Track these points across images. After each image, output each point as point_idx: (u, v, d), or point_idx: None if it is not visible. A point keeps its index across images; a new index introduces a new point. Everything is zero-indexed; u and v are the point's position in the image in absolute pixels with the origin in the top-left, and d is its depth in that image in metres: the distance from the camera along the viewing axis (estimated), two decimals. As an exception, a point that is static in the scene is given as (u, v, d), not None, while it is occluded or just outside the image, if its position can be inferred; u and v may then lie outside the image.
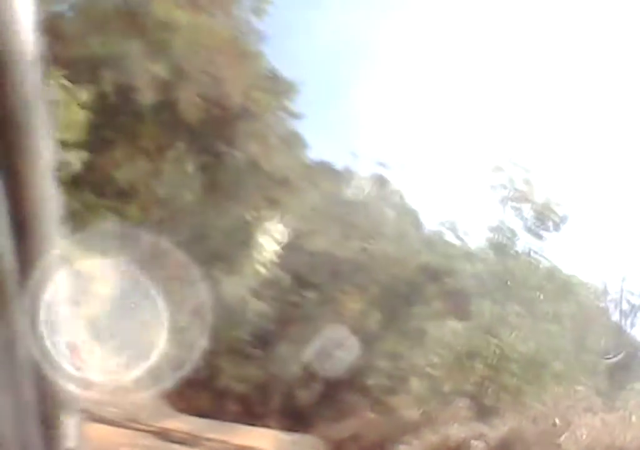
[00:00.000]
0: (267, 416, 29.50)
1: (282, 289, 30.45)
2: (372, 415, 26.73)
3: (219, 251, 27.09)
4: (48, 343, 1.74)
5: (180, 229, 26.35)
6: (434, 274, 32.59)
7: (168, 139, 27.60)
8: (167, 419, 23.02)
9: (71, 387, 1.89)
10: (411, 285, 32.21)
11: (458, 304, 28.98)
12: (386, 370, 29.68)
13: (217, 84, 27.30)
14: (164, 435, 20.36)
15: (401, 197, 35.28)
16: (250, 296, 28.93)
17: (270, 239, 28.11)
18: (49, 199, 1.68)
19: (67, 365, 1.82)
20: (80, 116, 21.38)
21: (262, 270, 28.29)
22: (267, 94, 28.88)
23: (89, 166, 22.54)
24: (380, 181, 35.20)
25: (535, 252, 27.66)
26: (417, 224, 35.99)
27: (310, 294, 31.30)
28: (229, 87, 27.45)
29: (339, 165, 34.31)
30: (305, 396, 30.35)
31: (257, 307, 29.59)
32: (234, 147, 28.00)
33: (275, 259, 28.42)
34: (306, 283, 31.16)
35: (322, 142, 31.99)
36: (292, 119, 29.96)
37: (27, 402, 1.79)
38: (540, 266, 28.23)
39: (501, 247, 28.86)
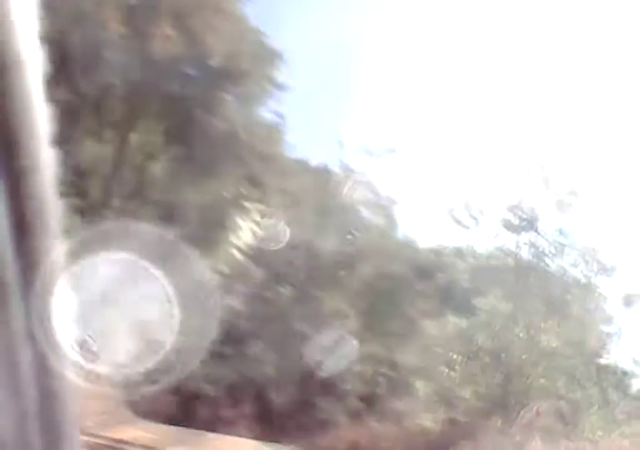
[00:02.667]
0: (239, 422, 26.04)
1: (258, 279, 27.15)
2: (374, 423, 23.72)
3: (191, 230, 23.75)
4: (47, 341, 1.70)
5: (147, 206, 23.26)
6: (424, 269, 29.91)
7: (137, 103, 24.31)
8: (124, 426, 19.41)
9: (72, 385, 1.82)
10: (402, 281, 29.22)
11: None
12: (383, 372, 26.65)
13: (195, 41, 24.17)
14: (118, 448, 16.74)
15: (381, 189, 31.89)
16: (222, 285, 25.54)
17: (250, 221, 24.71)
18: (49, 198, 1.67)
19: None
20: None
21: (238, 255, 24.86)
22: (251, 59, 25.64)
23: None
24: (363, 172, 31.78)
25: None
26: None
27: (289, 288, 28.04)
28: (208, 45, 24.30)
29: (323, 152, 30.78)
30: (282, 401, 26.96)
31: (230, 301, 26.23)
32: (212, 115, 24.67)
33: (253, 243, 24.99)
34: (284, 274, 27.88)
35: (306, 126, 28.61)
36: (278, 90, 26.58)
37: (28, 403, 1.76)
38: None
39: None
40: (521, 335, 22.58)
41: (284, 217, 26.99)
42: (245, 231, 24.54)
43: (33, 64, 1.57)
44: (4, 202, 1.60)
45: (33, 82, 1.58)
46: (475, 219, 26.83)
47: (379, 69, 30.62)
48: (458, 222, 27.17)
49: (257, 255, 25.80)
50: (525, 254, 25.77)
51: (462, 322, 25.19)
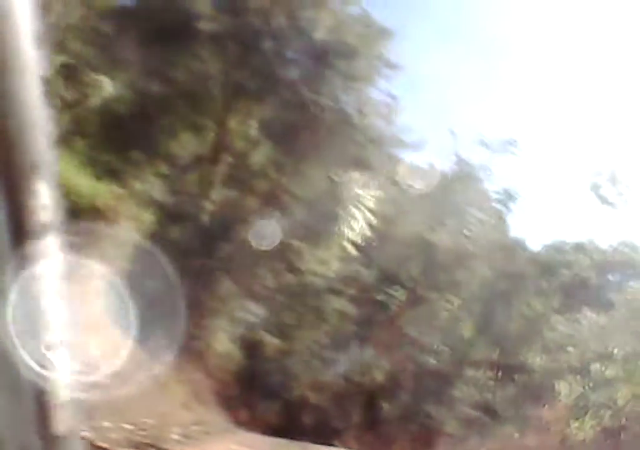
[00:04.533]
0: (346, 432, 23.76)
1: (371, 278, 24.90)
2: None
3: (300, 220, 21.63)
4: (45, 343, 1.71)
5: (250, 196, 21.20)
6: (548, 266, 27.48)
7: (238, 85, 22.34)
8: (218, 436, 16.98)
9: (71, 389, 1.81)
10: (525, 278, 26.79)
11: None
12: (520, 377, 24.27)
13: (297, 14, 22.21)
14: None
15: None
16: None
17: (362, 209, 22.37)
18: (49, 196, 1.66)
19: (61, 365, 1.75)
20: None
21: (351, 249, 22.54)
22: (359, 35, 23.42)
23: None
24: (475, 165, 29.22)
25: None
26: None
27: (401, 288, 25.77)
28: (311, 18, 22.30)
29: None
30: (392, 409, 24.64)
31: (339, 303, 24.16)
32: (319, 95, 22.46)
33: (367, 234, 22.64)
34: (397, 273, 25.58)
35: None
36: (389, 69, 24.21)
37: (26, 403, 1.76)
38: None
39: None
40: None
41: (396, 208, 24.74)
42: (359, 221, 22.22)
43: (33, 64, 1.53)
44: (3, 201, 1.57)
45: (33, 82, 1.54)
46: (622, 194, 24.09)
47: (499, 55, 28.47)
48: (604, 199, 24.46)
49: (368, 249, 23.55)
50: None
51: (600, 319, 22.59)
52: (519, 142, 28.42)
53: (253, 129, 22.72)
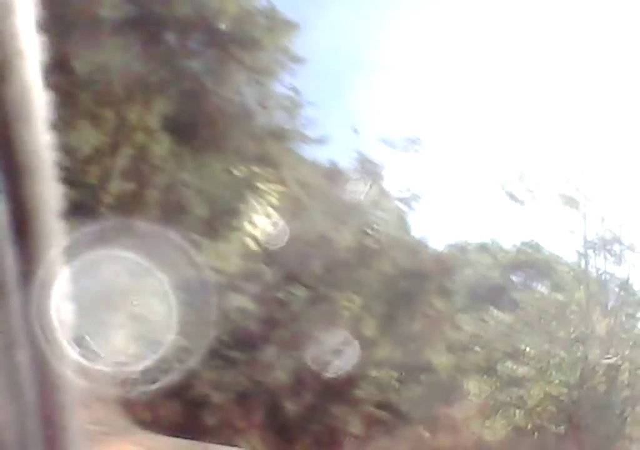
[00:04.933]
0: (249, 431, 23.14)
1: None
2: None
3: (199, 214, 21.00)
4: (47, 341, 1.73)
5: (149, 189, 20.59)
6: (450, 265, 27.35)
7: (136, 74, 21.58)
8: (116, 436, 16.57)
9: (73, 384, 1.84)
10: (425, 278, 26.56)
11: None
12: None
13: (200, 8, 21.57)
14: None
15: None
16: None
17: (264, 204, 21.83)
18: (49, 196, 1.68)
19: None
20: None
21: (252, 245, 21.95)
22: (264, 28, 22.92)
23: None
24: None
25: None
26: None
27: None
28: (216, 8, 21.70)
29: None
30: (295, 409, 24.10)
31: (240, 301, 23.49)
32: (221, 87, 21.88)
33: (269, 230, 22.09)
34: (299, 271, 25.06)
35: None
36: (293, 63, 23.75)
37: (27, 403, 1.76)
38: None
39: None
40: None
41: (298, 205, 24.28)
42: (261, 216, 21.66)
43: (33, 62, 1.55)
44: (4, 199, 1.56)
45: (33, 80, 1.57)
46: (531, 192, 24.01)
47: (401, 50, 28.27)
48: (512, 196, 24.34)
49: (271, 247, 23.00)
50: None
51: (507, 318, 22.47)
52: (423, 141, 28.33)
53: (154, 121, 21.98)
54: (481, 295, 26.95)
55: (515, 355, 22.05)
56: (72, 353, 1.81)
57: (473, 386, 22.94)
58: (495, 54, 29.46)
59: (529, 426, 20.84)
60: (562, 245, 26.48)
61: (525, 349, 21.88)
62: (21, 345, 1.69)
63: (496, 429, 21.11)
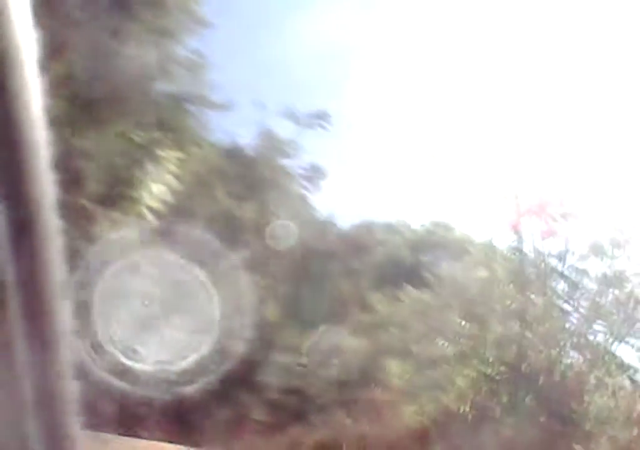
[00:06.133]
0: (147, 419, 21.49)
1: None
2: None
3: (92, 181, 19.17)
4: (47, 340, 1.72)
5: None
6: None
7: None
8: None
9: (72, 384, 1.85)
10: (334, 257, 25.34)
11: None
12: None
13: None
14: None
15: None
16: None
17: (163, 172, 20.13)
18: (48, 195, 1.68)
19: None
20: None
21: (149, 216, 20.21)
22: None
23: None
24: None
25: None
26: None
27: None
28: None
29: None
30: (196, 396, 22.52)
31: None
32: (122, 49, 20.19)
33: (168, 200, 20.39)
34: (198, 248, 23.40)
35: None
36: (199, 25, 22.16)
37: (27, 403, 1.76)
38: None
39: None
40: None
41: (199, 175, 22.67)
42: (159, 185, 19.94)
43: (31, 61, 1.54)
44: (2, 200, 1.57)
45: (31, 79, 1.56)
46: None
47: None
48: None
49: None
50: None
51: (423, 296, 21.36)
52: (331, 116, 27.03)
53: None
54: (392, 275, 25.83)
55: (434, 334, 20.90)
56: (72, 353, 1.75)
57: (394, 368, 21.65)
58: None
59: (461, 409, 19.61)
60: (475, 224, 25.27)
61: (445, 328, 20.79)
62: (20, 345, 1.65)
63: (424, 413, 19.84)
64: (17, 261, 1.62)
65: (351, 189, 29.18)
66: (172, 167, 20.26)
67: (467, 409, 19.64)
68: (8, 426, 1.74)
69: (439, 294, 22.16)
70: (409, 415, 20.33)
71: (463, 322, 20.30)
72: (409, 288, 22.82)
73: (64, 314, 1.75)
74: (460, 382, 20.04)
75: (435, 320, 21.05)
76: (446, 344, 20.65)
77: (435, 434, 20.27)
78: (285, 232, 25.44)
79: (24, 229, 1.63)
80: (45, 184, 1.65)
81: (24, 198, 1.62)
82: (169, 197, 20.31)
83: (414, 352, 21.15)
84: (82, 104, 20.03)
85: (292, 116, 26.81)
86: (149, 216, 20.25)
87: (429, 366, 20.75)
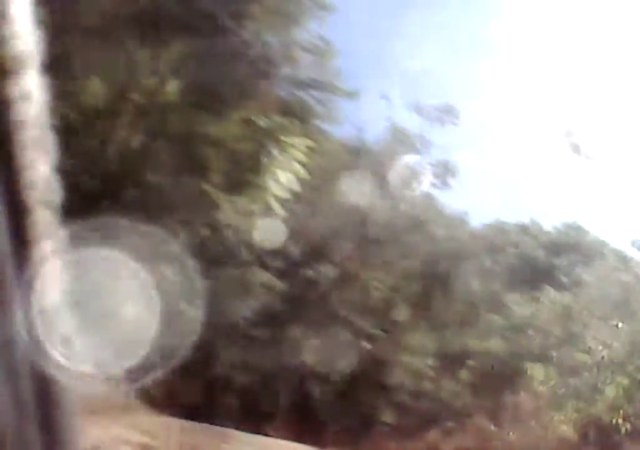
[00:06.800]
0: (273, 416, 20.68)
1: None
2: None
3: (217, 167, 18.53)
4: (45, 337, 1.69)
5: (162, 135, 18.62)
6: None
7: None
8: (119, 416, 14.89)
9: (69, 383, 1.82)
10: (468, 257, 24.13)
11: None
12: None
13: None
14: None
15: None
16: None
17: (290, 159, 19.26)
18: (47, 190, 1.65)
19: (61, 359, 1.74)
20: None
21: (276, 206, 19.33)
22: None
23: None
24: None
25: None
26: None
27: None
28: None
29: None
30: (324, 395, 21.62)
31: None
32: (244, 32, 19.56)
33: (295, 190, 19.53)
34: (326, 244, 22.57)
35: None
36: (322, 10, 21.36)
37: (27, 402, 1.75)
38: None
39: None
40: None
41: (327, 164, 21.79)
42: (286, 173, 19.08)
43: (31, 58, 1.52)
44: (2, 197, 1.55)
45: (32, 76, 1.53)
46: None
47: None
48: (577, 149, 21.80)
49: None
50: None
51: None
52: (460, 111, 25.93)
53: (166, 64, 19.46)
54: (526, 277, 24.75)
55: (577, 338, 19.46)
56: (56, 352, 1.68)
57: (536, 373, 20.22)
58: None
59: (613, 420, 18.00)
60: (609, 227, 23.95)
61: (588, 332, 19.34)
62: (19, 343, 1.63)
63: (570, 422, 18.34)
64: (17, 259, 1.59)
65: (482, 187, 28.01)
66: (300, 155, 19.37)
67: (620, 420, 18.06)
68: (9, 426, 1.68)
69: (580, 296, 20.77)
70: (555, 423, 18.87)
71: (618, 325, 18.81)
72: (549, 289, 21.46)
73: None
74: (611, 390, 18.46)
75: (578, 323, 19.58)
76: (594, 348, 19.21)
77: (584, 446, 18.77)
78: (415, 230, 24.41)
79: (24, 222, 1.59)
80: (45, 176, 1.59)
81: (24, 192, 1.58)
82: (296, 186, 19.44)
83: (557, 356, 19.74)
84: (205, 89, 19.46)
85: (419, 109, 25.79)
86: (275, 205, 19.42)
87: (574, 372, 19.31)
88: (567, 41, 25.51)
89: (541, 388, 20.11)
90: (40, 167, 1.62)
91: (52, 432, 1.80)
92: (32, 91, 1.57)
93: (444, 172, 26.11)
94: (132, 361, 13.15)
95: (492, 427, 20.83)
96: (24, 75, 1.56)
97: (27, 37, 1.55)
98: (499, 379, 22.11)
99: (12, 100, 1.54)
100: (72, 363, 1.76)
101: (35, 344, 1.67)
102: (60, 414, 1.82)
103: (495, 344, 23.02)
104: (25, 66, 1.56)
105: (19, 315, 1.64)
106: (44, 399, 1.76)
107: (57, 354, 1.71)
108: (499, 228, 28.42)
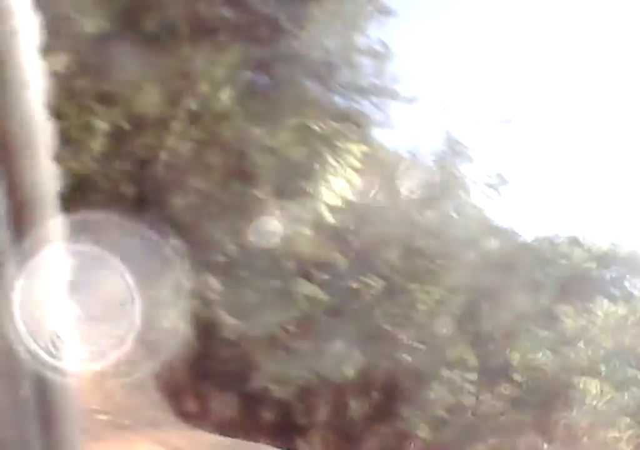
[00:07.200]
0: (309, 430, 20.35)
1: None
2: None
3: (269, 172, 18.19)
4: (44, 335, 1.69)
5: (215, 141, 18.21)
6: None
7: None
8: (147, 431, 14.20)
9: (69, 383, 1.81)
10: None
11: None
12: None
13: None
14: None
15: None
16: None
17: (343, 166, 18.90)
18: (46, 184, 1.65)
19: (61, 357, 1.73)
20: None
21: (326, 213, 19.00)
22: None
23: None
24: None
25: None
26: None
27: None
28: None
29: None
30: (362, 409, 21.26)
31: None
32: (302, 36, 19.19)
33: (347, 198, 19.17)
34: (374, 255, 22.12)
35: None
36: (382, 15, 20.89)
37: (26, 401, 1.73)
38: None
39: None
40: None
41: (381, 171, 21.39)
42: (339, 180, 18.73)
43: (31, 53, 1.48)
44: (1, 195, 1.54)
45: (31, 71, 1.50)
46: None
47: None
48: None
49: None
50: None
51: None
52: (516, 121, 25.51)
53: (221, 69, 19.14)
54: (577, 289, 24.35)
55: (627, 353, 18.99)
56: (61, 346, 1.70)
57: (591, 387, 19.73)
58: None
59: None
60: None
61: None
62: (19, 343, 1.63)
63: (625, 441, 17.90)
64: (15, 253, 1.57)
65: (534, 199, 27.70)
66: (354, 162, 19.01)
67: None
68: (8, 426, 1.68)
69: (633, 309, 20.44)
70: (609, 441, 18.42)
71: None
72: (602, 301, 21.01)
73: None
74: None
75: (631, 336, 19.17)
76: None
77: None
78: (464, 242, 23.95)
79: (22, 218, 1.57)
80: (45, 170, 1.56)
81: (22, 184, 1.55)
82: (348, 194, 19.09)
83: (612, 370, 19.27)
84: (261, 95, 19.15)
85: (474, 120, 25.37)
86: (326, 213, 19.08)
87: (626, 387, 18.86)
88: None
89: (594, 403, 19.62)
90: (41, 164, 1.57)
91: (52, 432, 1.78)
92: (31, 81, 1.50)
93: (497, 183, 25.64)
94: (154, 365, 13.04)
95: (544, 445, 20.40)
96: (24, 76, 1.49)
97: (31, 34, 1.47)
98: (549, 394, 21.71)
99: (13, 91, 1.48)
100: (72, 362, 1.74)
101: (35, 342, 1.64)
102: (61, 414, 1.80)
103: (545, 358, 22.65)
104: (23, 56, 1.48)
105: (18, 314, 1.60)
106: (44, 399, 1.75)
107: (56, 352, 1.69)
108: (550, 240, 28.06)
